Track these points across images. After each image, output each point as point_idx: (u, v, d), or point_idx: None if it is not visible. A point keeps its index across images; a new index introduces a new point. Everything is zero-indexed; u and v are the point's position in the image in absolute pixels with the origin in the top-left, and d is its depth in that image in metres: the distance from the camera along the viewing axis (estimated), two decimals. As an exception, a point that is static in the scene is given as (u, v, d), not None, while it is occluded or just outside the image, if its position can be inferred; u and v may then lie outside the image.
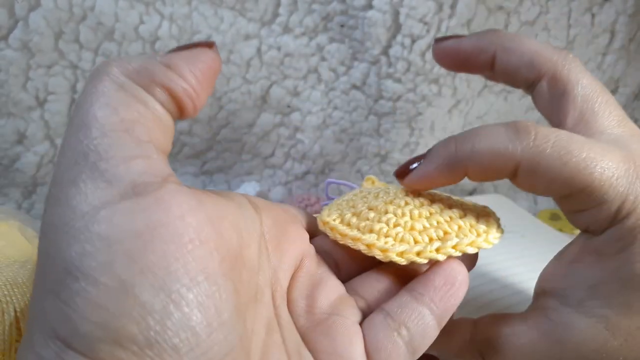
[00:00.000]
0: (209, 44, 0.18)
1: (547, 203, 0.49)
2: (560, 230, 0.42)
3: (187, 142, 0.42)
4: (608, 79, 0.42)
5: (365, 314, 0.21)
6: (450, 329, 0.24)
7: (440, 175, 0.22)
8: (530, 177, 0.20)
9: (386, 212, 0.22)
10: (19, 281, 0.23)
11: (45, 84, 0.36)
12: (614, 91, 0.43)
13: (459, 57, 0.25)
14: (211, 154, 0.43)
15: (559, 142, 0.20)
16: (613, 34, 0.40)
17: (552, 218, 0.47)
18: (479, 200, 0.44)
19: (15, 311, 0.22)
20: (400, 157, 0.44)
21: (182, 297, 0.15)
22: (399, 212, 0.22)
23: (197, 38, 0.38)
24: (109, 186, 0.15)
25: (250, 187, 0.41)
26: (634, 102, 0.43)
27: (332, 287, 0.22)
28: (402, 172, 0.23)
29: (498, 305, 0.32)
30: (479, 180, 0.22)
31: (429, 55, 0.39)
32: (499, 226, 0.23)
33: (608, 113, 0.23)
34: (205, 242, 0.16)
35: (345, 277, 0.23)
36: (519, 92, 0.44)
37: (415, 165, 0.23)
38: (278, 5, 0.38)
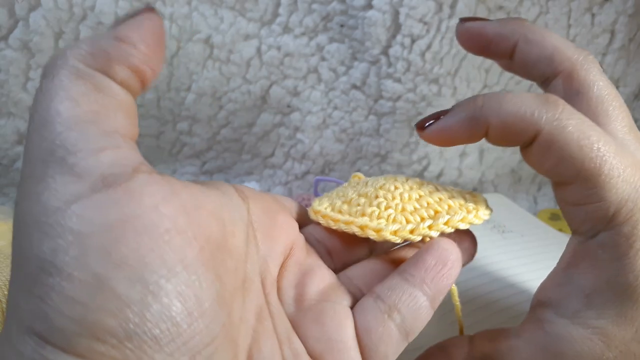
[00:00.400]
0: (149, 9, 0.18)
1: (547, 203, 0.49)
2: (560, 230, 0.42)
3: (187, 142, 0.42)
4: (608, 78, 0.42)
5: (358, 300, 0.21)
6: (446, 348, 0.24)
7: (461, 129, 0.21)
8: (545, 149, 0.20)
9: (377, 197, 0.23)
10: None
11: (45, 83, 0.36)
12: (614, 91, 0.43)
13: (481, 41, 0.25)
14: (211, 153, 0.43)
15: (581, 125, 0.20)
16: (613, 34, 0.40)
17: (552, 218, 0.47)
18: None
19: (15, 311, 0.22)
20: (400, 157, 0.44)
21: (161, 288, 0.15)
22: (389, 196, 0.23)
23: (197, 38, 0.38)
24: (79, 180, 0.15)
25: (250, 187, 0.41)
26: (633, 102, 0.43)
27: (323, 276, 0.22)
28: (423, 124, 0.22)
29: (498, 306, 0.32)
30: (495, 142, 0.21)
31: (429, 55, 0.39)
32: (487, 205, 0.23)
33: (621, 118, 0.23)
34: (182, 232, 0.16)
35: (338, 265, 0.23)
36: (519, 92, 0.44)
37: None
38: (278, 5, 0.38)
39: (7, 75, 0.35)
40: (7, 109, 0.37)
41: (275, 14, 0.38)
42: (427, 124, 0.22)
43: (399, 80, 0.40)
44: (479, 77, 0.42)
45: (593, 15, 0.40)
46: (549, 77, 0.24)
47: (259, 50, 0.39)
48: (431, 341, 0.25)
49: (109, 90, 0.17)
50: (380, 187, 0.23)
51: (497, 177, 0.48)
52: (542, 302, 0.23)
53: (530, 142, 0.21)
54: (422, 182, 0.24)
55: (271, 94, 0.41)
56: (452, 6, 0.38)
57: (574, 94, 0.23)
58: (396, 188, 0.23)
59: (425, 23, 0.38)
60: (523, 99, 0.21)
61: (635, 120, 0.43)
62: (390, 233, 0.21)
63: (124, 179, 0.16)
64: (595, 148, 0.20)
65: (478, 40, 0.25)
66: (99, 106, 0.16)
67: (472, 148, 0.45)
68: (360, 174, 0.27)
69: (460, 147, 0.45)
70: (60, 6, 0.34)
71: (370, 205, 0.23)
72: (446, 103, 0.42)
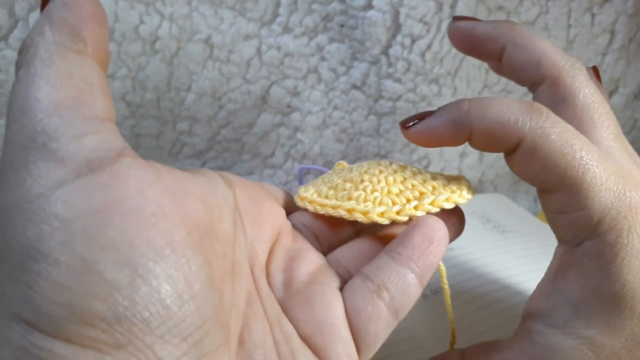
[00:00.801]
0: None
1: (547, 203, 0.49)
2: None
3: (187, 141, 0.42)
4: (608, 79, 0.42)
5: (347, 281, 0.21)
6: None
7: (445, 132, 0.22)
8: (528, 157, 0.20)
9: (362, 181, 0.23)
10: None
11: (45, 83, 0.36)
12: (614, 91, 0.43)
13: (471, 41, 0.25)
14: (211, 153, 0.43)
15: (564, 133, 0.20)
16: (613, 34, 0.40)
17: (552, 218, 0.47)
18: (479, 199, 0.45)
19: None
20: (400, 157, 0.44)
21: (150, 271, 0.15)
22: (375, 179, 0.23)
23: (197, 38, 0.38)
24: (62, 165, 0.15)
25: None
26: (633, 102, 0.43)
27: (311, 259, 0.22)
28: (407, 123, 0.23)
29: (498, 306, 0.32)
30: (478, 147, 0.22)
31: (429, 55, 0.39)
32: (470, 186, 0.23)
33: (606, 126, 0.23)
34: (169, 215, 0.16)
35: (326, 250, 0.23)
36: (519, 92, 0.44)
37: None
38: (278, 5, 0.38)
39: (7, 75, 0.35)
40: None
41: (275, 14, 0.38)
42: (411, 123, 0.23)
43: (399, 80, 0.40)
44: (479, 77, 0.42)
45: (593, 15, 0.40)
46: (537, 82, 0.24)
47: (259, 50, 0.39)
48: (425, 334, 0.25)
49: (84, 71, 0.17)
50: (365, 172, 0.24)
51: (497, 177, 0.48)
52: (532, 313, 0.23)
53: (513, 149, 0.21)
54: (405, 165, 0.24)
55: (271, 94, 0.41)
56: (453, 6, 0.38)
57: (560, 101, 0.23)
58: (380, 172, 0.23)
59: (425, 23, 0.38)
60: (508, 106, 0.21)
61: (635, 121, 0.43)
62: (378, 215, 0.22)
63: (108, 162, 0.15)
64: (578, 156, 0.20)
65: (468, 40, 0.25)
66: (77, 90, 0.16)
67: (471, 148, 0.45)
68: (344, 162, 0.27)
69: (461, 147, 0.45)
70: (60, 6, 0.34)
71: (357, 189, 0.23)
72: (446, 103, 0.42)
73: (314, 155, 0.44)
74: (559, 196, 0.20)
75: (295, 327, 0.20)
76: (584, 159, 0.20)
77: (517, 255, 0.35)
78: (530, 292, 0.24)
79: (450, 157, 0.45)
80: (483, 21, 0.25)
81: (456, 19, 0.25)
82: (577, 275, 0.21)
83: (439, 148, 0.44)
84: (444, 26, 0.38)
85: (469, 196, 0.23)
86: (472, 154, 0.45)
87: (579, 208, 0.20)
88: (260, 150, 0.44)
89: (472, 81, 0.42)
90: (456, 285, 0.25)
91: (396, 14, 0.38)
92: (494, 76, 0.43)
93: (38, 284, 0.14)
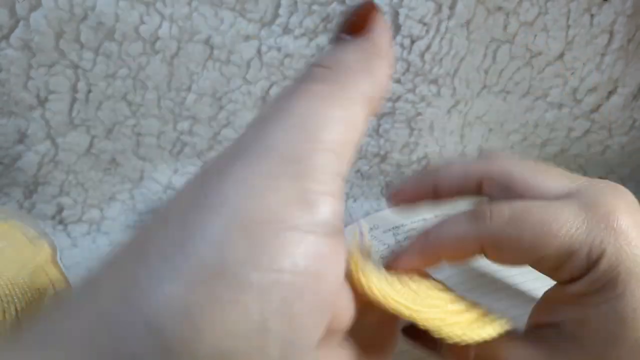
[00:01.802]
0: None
1: (546, 203, 0.49)
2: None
3: (188, 141, 0.42)
4: (607, 79, 0.42)
5: None
6: (455, 350, 0.24)
7: (420, 262, 0.24)
8: (498, 253, 0.22)
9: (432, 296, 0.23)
10: (20, 281, 0.23)
11: (46, 83, 0.36)
12: (612, 92, 0.43)
13: (411, 199, 0.28)
14: (212, 153, 0.43)
15: (513, 215, 0.21)
16: (612, 34, 0.40)
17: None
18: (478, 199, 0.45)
19: (17, 310, 0.22)
20: (399, 157, 0.44)
21: None
22: (443, 297, 0.23)
23: (197, 38, 0.38)
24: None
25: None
26: (632, 103, 0.43)
27: None
28: (392, 259, 0.25)
29: (498, 306, 0.32)
30: (454, 263, 0.24)
31: (428, 56, 0.39)
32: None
33: (555, 173, 0.24)
34: None
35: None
36: (518, 92, 0.44)
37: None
38: (278, 6, 0.38)
39: (8, 74, 0.35)
40: (8, 108, 0.37)
41: (276, 15, 0.39)
42: (397, 256, 0.25)
43: (398, 81, 0.40)
44: (479, 77, 0.42)
45: (592, 15, 0.40)
46: (476, 189, 0.25)
47: (259, 51, 0.39)
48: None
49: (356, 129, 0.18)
50: (428, 288, 0.23)
51: (496, 177, 0.48)
52: (540, 324, 0.24)
53: (482, 253, 0.22)
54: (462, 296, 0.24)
55: (271, 95, 0.41)
56: (452, 7, 0.38)
57: (506, 188, 0.24)
58: (444, 296, 0.23)
59: (424, 24, 0.38)
60: (456, 222, 0.23)
61: (634, 121, 0.44)
62: (452, 333, 0.21)
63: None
64: (537, 225, 0.21)
65: (409, 199, 0.28)
66: (345, 136, 0.17)
67: (471, 148, 0.45)
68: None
69: (460, 147, 0.45)
70: (61, 6, 0.34)
71: (430, 303, 0.22)
72: (445, 103, 0.42)
73: (314, 155, 0.44)
74: (546, 261, 0.21)
75: None
76: (543, 221, 0.21)
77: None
78: (531, 292, 0.24)
79: (449, 157, 0.45)
80: (406, 182, 0.28)
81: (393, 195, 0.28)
82: (578, 310, 0.22)
83: (438, 148, 0.44)
84: (444, 27, 0.38)
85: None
86: (472, 154, 0.46)
87: (566, 258, 0.21)
88: (260, 150, 0.44)
89: (471, 82, 0.42)
90: (455, 287, 0.26)
91: (395, 14, 0.38)
92: (493, 77, 0.43)
93: None
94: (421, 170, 0.28)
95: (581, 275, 0.21)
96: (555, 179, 0.23)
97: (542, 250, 0.21)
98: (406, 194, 0.28)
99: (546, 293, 0.24)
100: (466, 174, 0.25)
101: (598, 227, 0.20)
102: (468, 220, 0.22)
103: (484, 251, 0.22)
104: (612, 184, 0.23)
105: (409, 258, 0.24)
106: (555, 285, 0.23)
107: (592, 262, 0.20)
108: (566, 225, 0.21)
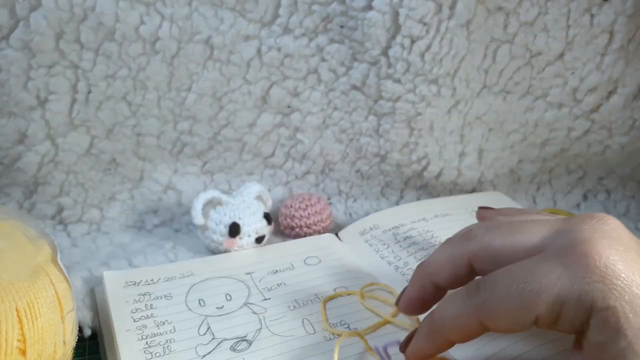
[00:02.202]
0: None
1: (546, 203, 0.49)
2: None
3: (188, 141, 0.42)
4: (607, 79, 0.42)
5: None
6: None
7: (430, 347, 0.25)
8: (497, 323, 0.22)
9: None
10: (20, 280, 0.23)
11: (46, 83, 0.36)
12: (612, 92, 0.43)
13: (421, 309, 0.28)
14: (212, 153, 0.43)
15: (501, 284, 0.22)
16: (612, 34, 0.40)
17: (551, 218, 0.47)
18: (478, 198, 0.45)
19: (17, 311, 0.22)
20: (399, 157, 0.44)
21: None
22: None
23: (197, 38, 0.38)
24: None
25: (256, 187, 0.40)
26: (632, 102, 0.43)
27: None
28: (404, 346, 0.26)
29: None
30: (463, 342, 0.24)
31: (428, 56, 0.39)
32: None
33: (531, 225, 0.24)
34: None
35: None
36: (518, 92, 0.44)
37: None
38: (278, 6, 0.38)
39: (8, 74, 0.35)
40: (9, 109, 0.37)
41: (276, 15, 0.39)
42: (408, 344, 0.26)
43: (398, 81, 0.40)
44: (478, 77, 0.42)
45: (592, 15, 0.40)
46: (470, 269, 0.25)
47: (259, 51, 0.39)
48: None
49: None
50: None
51: (496, 177, 0.48)
52: None
53: (484, 329, 0.22)
54: None
55: (271, 95, 0.41)
56: (452, 7, 0.38)
57: (493, 263, 0.24)
58: None
59: (424, 24, 0.38)
60: (452, 301, 0.23)
61: (634, 121, 0.44)
62: None
63: None
64: (525, 289, 0.21)
65: (420, 310, 0.28)
66: None
67: (471, 148, 0.45)
68: None
69: (460, 147, 0.45)
70: (61, 6, 0.34)
71: None
72: (445, 103, 0.42)
73: (314, 155, 0.44)
74: (544, 317, 0.21)
75: None
76: (530, 283, 0.21)
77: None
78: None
79: (449, 157, 0.45)
80: (405, 289, 0.29)
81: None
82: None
83: (438, 148, 0.44)
84: (444, 27, 0.38)
85: None
86: (472, 154, 0.46)
87: (560, 309, 0.21)
88: (260, 151, 0.44)
89: (471, 82, 0.42)
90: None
91: (396, 14, 0.38)
92: (492, 77, 0.43)
93: None
94: (416, 269, 0.28)
95: (586, 320, 0.20)
96: (532, 233, 0.23)
97: (533, 309, 0.21)
98: (413, 302, 0.28)
99: None
100: (455, 262, 0.25)
101: (580, 271, 0.20)
102: (461, 298, 0.23)
103: (485, 326, 0.22)
104: (590, 215, 0.23)
105: (420, 344, 0.25)
106: (576, 352, 0.22)
107: (588, 307, 0.20)
108: (547, 278, 0.21)
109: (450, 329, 0.23)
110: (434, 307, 0.25)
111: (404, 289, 0.29)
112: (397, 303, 0.29)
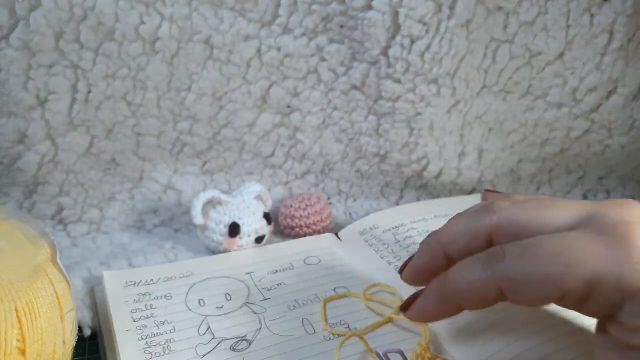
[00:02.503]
0: None
1: (546, 203, 0.49)
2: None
3: (188, 141, 0.42)
4: (607, 79, 0.42)
5: None
6: None
7: (437, 310, 0.24)
8: (517, 294, 0.21)
9: None
10: (20, 280, 0.23)
11: (46, 83, 0.36)
12: (612, 92, 0.43)
13: (426, 277, 0.26)
14: (212, 153, 0.43)
15: (531, 253, 0.20)
16: (612, 34, 0.40)
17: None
18: (478, 199, 0.45)
19: (17, 310, 0.22)
20: (399, 157, 0.44)
21: None
22: None
23: (197, 39, 0.38)
24: None
25: (256, 187, 0.40)
26: (632, 103, 0.43)
27: None
28: (406, 306, 0.25)
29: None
30: (475, 309, 0.23)
31: (428, 56, 0.39)
32: None
33: (562, 204, 0.23)
34: None
35: None
36: (518, 92, 0.44)
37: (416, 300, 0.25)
38: (278, 6, 0.38)
39: (8, 74, 0.35)
40: (8, 109, 0.37)
41: (276, 15, 0.39)
42: (411, 304, 0.25)
43: (398, 81, 0.40)
44: (478, 77, 0.42)
45: (592, 15, 0.40)
46: (489, 242, 0.24)
47: (259, 51, 0.39)
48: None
49: None
50: None
51: (496, 177, 0.48)
52: None
53: (503, 296, 0.21)
54: None
55: (271, 95, 0.41)
56: (452, 7, 0.38)
57: (516, 238, 0.23)
58: None
59: (424, 24, 0.38)
60: (471, 267, 0.22)
61: (634, 121, 0.44)
62: None
63: None
64: (552, 261, 0.20)
65: (425, 277, 0.27)
66: None
67: (471, 148, 0.45)
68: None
69: (460, 147, 0.45)
70: (61, 6, 0.34)
71: None
72: (445, 103, 0.42)
73: (314, 155, 0.44)
74: (569, 296, 0.20)
75: None
76: (560, 255, 0.20)
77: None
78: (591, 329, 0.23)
79: (449, 157, 0.45)
80: (412, 257, 0.27)
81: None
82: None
83: (438, 148, 0.44)
84: (444, 27, 0.38)
85: None
86: (472, 154, 0.46)
87: (590, 290, 0.20)
88: (260, 151, 0.44)
89: (471, 82, 0.42)
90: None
91: (396, 14, 0.38)
92: (493, 77, 0.43)
93: None
94: (426, 239, 0.27)
95: (616, 305, 0.19)
96: (564, 211, 0.22)
97: (562, 284, 0.19)
98: (420, 271, 0.27)
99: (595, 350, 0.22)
100: (473, 233, 0.24)
101: (622, 251, 0.19)
102: (482, 263, 0.22)
103: (504, 294, 0.21)
104: (620, 201, 0.22)
105: (427, 305, 0.24)
106: (600, 336, 0.21)
107: (626, 290, 0.19)
108: (584, 253, 0.19)
109: (466, 294, 0.22)
110: (448, 271, 0.24)
111: (408, 259, 0.27)
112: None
